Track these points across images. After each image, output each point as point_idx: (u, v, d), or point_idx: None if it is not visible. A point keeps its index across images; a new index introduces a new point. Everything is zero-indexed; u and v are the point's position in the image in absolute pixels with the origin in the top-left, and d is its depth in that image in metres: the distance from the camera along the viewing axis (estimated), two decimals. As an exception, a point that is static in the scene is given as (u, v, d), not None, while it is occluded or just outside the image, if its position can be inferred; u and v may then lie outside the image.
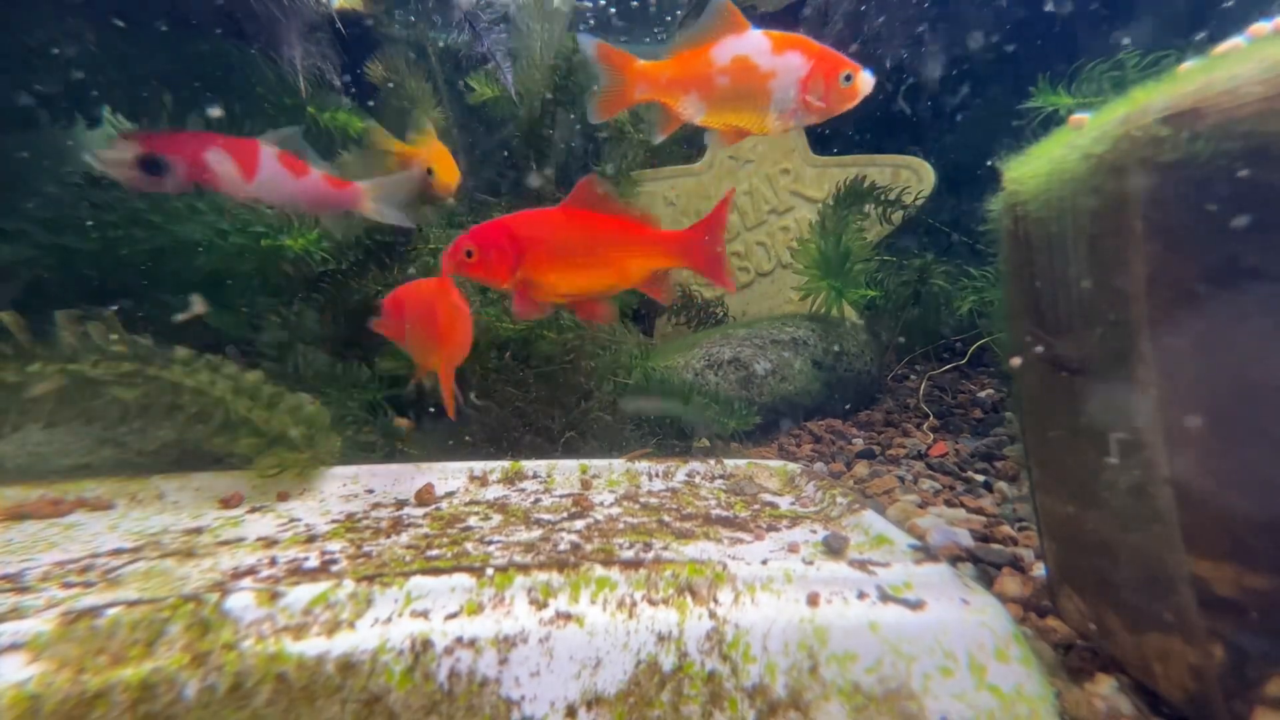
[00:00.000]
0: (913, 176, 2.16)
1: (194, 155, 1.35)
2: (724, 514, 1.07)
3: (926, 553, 0.86)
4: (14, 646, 0.61)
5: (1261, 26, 0.72)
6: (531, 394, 1.56)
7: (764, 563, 0.77)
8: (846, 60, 1.10)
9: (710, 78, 1.12)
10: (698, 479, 1.30)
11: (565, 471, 1.29)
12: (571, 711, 0.65)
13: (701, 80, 1.13)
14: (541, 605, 0.70)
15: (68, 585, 0.79)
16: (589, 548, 0.90)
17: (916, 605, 0.73)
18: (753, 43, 1.11)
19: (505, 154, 2.77)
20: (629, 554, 0.87)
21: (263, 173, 1.42)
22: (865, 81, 1.09)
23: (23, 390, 1.08)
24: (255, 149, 1.40)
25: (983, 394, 2.04)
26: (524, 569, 0.74)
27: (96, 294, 1.23)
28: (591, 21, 2.97)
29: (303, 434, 1.19)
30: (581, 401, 1.55)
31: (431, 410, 1.66)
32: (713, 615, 0.71)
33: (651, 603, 0.72)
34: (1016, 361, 0.90)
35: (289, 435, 1.18)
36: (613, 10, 3.07)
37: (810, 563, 0.78)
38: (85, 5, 1.44)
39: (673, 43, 1.17)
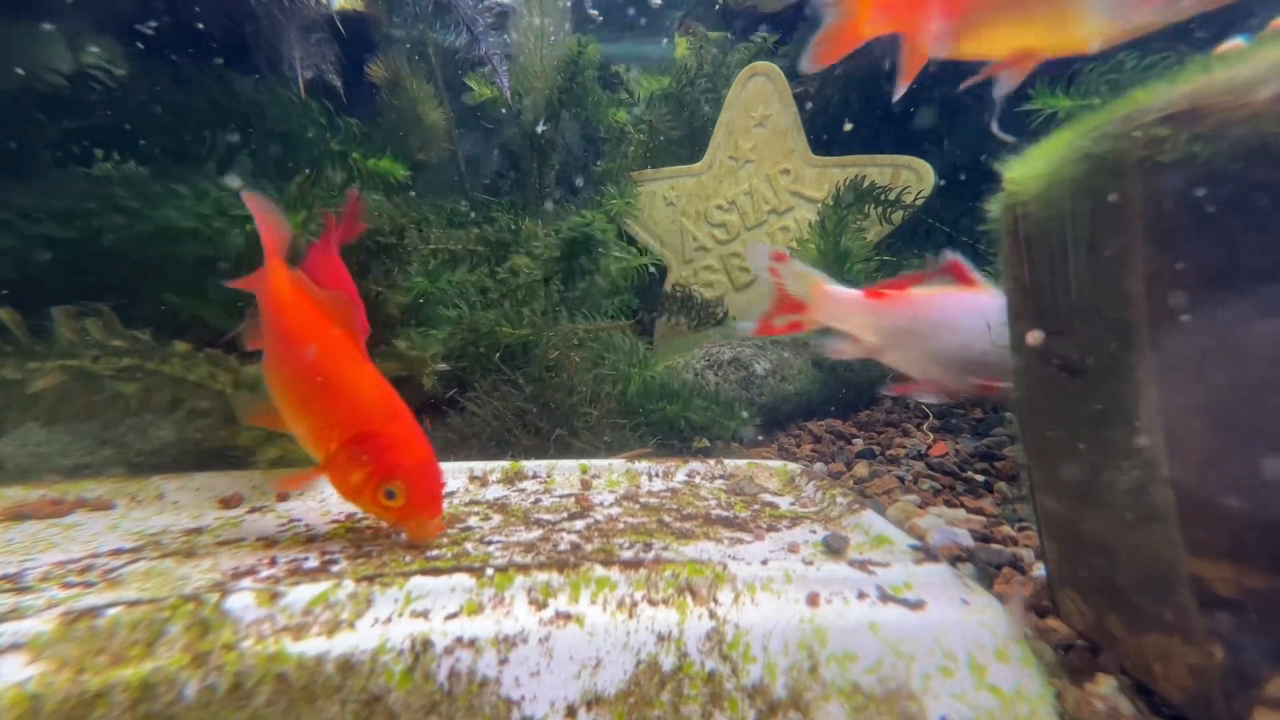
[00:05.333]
0: (913, 177, 2.16)
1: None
2: (724, 514, 1.07)
3: (926, 553, 0.86)
4: (14, 646, 0.61)
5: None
6: (527, 394, 1.57)
7: (764, 563, 0.77)
8: None
9: None
10: (698, 479, 1.30)
11: (565, 471, 1.29)
12: (571, 711, 0.65)
13: None
14: (541, 605, 0.70)
15: (68, 585, 0.79)
16: (589, 548, 0.90)
17: (916, 605, 0.73)
18: None
19: (505, 153, 2.78)
20: (629, 554, 0.87)
21: None
22: None
23: (23, 387, 1.08)
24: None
25: (982, 394, 2.04)
26: (524, 569, 0.74)
27: (88, 286, 1.22)
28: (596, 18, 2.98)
29: (303, 426, 1.20)
30: (580, 406, 1.55)
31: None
32: (713, 615, 0.71)
33: (651, 603, 0.72)
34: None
35: (290, 428, 1.18)
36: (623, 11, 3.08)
37: (810, 563, 0.78)
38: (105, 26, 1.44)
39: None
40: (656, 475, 1.30)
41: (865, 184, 2.04)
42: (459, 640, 0.66)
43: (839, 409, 1.98)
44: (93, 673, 0.60)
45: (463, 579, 0.72)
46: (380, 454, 0.86)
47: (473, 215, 2.21)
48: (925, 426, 1.81)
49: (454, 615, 0.69)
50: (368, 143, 1.68)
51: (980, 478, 1.46)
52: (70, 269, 1.32)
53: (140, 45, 1.66)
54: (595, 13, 2.98)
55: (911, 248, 2.28)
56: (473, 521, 1.03)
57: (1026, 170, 0.83)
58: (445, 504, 1.14)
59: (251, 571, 0.82)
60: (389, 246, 1.73)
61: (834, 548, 0.90)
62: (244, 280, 1.03)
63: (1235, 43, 0.72)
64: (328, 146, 1.61)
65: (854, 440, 1.78)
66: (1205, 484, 0.63)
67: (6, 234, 1.27)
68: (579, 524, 1.01)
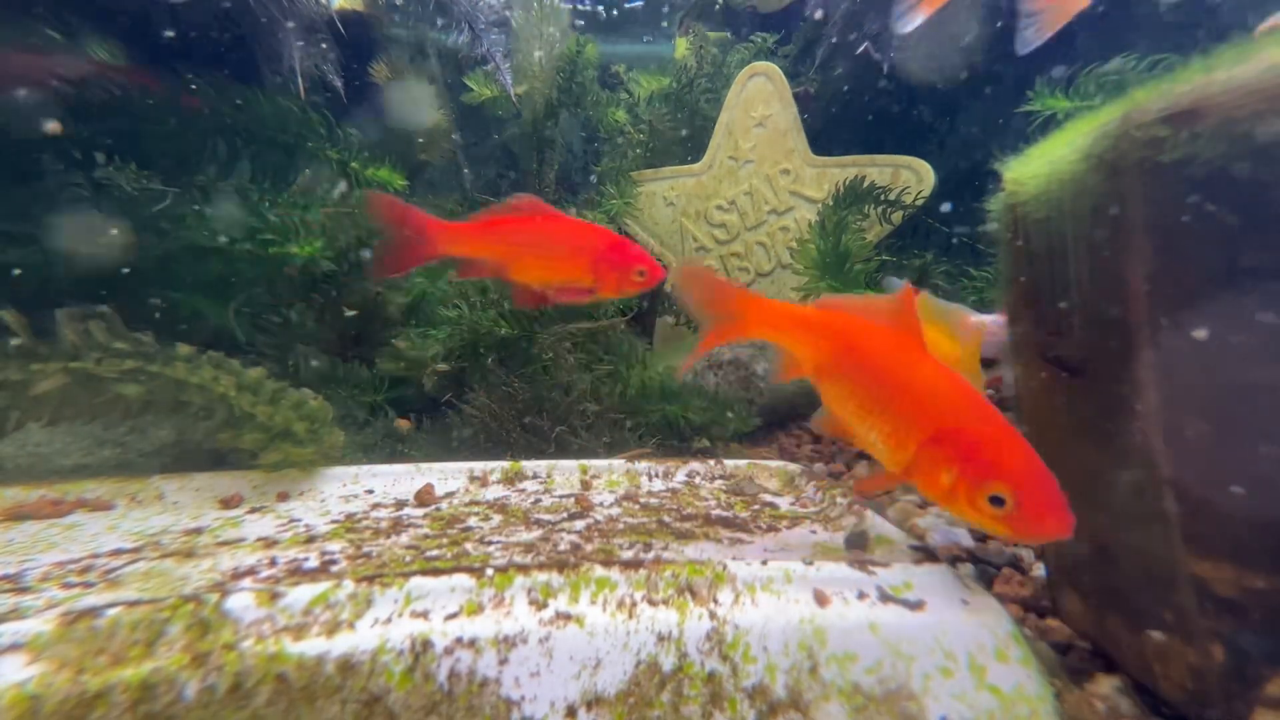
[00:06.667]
0: (912, 176, 2.15)
1: None
2: (724, 514, 1.07)
3: (926, 553, 0.86)
4: (14, 647, 0.61)
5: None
6: (524, 395, 1.57)
7: (764, 563, 0.77)
8: None
9: None
10: (698, 479, 1.30)
11: (565, 472, 1.29)
12: (571, 712, 0.65)
13: None
14: (541, 605, 0.70)
15: (68, 585, 0.79)
16: (589, 548, 0.89)
17: (916, 605, 0.73)
18: None
19: (505, 153, 2.78)
20: (629, 554, 0.87)
21: None
22: None
23: (26, 388, 1.08)
24: None
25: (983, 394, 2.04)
26: (524, 569, 0.74)
27: (103, 298, 1.24)
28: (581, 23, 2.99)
29: (306, 429, 1.20)
30: (578, 404, 1.55)
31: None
32: (713, 615, 0.71)
33: (651, 603, 0.72)
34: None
35: (293, 430, 1.18)
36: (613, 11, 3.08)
37: (810, 563, 0.78)
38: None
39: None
40: (656, 475, 1.30)
41: (865, 184, 2.04)
42: (459, 640, 0.66)
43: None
44: (93, 673, 0.60)
45: (463, 579, 0.72)
46: (970, 453, 0.72)
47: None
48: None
49: (454, 615, 0.69)
50: (366, 149, 1.69)
51: (980, 478, 1.46)
52: (91, 281, 1.35)
53: (155, 41, 1.67)
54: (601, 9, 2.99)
55: (911, 248, 2.28)
56: (473, 522, 1.03)
57: (1027, 170, 0.83)
58: (445, 504, 1.14)
59: (251, 571, 0.82)
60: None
61: (855, 544, 0.90)
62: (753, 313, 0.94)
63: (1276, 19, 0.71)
64: (326, 155, 1.63)
65: (854, 440, 1.77)
66: (1205, 484, 0.63)
67: (35, 249, 1.30)
68: (579, 524, 1.01)
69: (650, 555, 0.86)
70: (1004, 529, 0.70)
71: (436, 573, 0.72)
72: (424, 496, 1.15)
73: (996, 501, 0.69)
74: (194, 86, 1.50)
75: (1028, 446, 0.72)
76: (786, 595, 0.74)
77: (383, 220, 1.19)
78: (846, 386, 0.87)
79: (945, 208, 2.13)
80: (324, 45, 1.85)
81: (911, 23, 1.23)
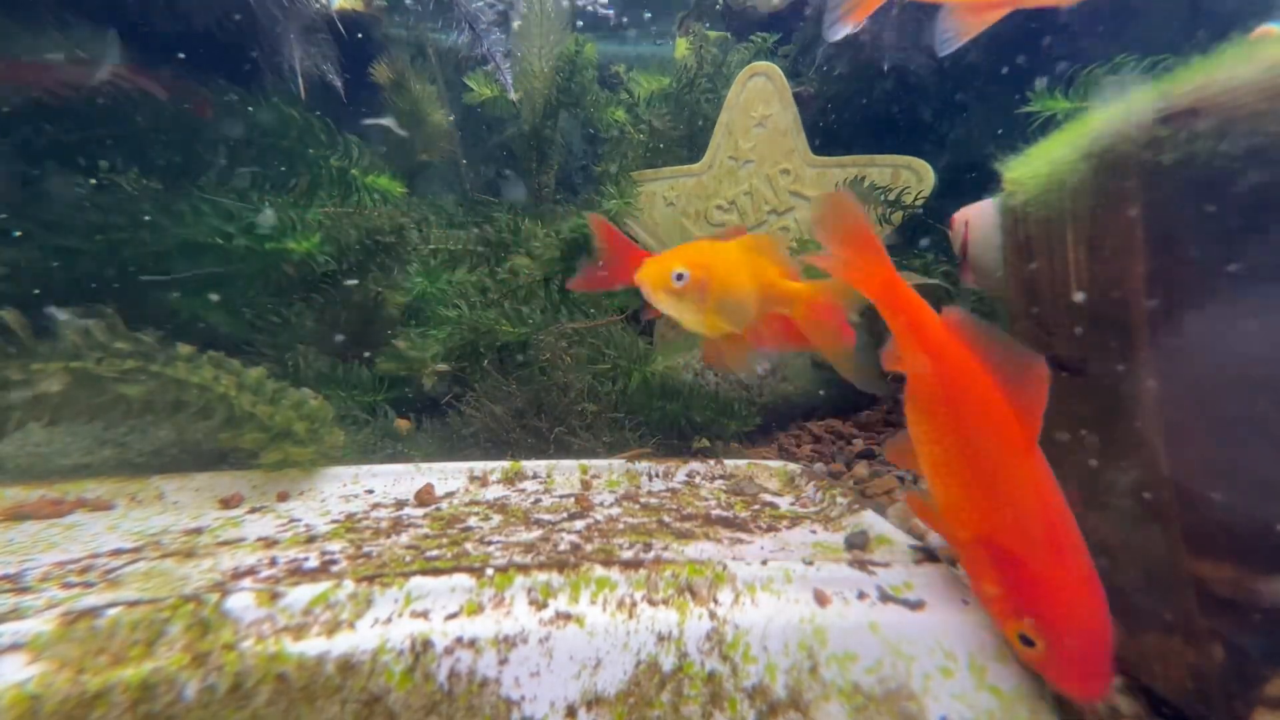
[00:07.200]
0: (913, 177, 2.15)
1: None
2: (724, 514, 1.07)
3: (926, 553, 0.86)
4: (14, 647, 0.61)
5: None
6: (523, 396, 1.57)
7: (764, 563, 0.77)
8: None
9: None
10: (698, 479, 1.30)
11: (565, 472, 1.29)
12: (571, 712, 0.65)
13: None
14: (541, 605, 0.70)
15: (68, 585, 0.79)
16: (589, 548, 0.89)
17: (916, 605, 0.73)
18: None
19: (505, 153, 2.78)
20: (629, 554, 0.87)
21: None
22: None
23: (27, 388, 1.08)
24: None
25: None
26: (524, 569, 0.74)
27: (101, 295, 1.24)
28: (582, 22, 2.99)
29: (306, 428, 1.20)
30: (576, 403, 1.55)
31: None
32: (713, 615, 0.71)
33: (651, 603, 0.72)
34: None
35: (293, 430, 1.18)
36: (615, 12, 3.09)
37: (810, 563, 0.78)
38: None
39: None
40: (656, 475, 1.30)
41: (865, 184, 2.04)
42: (459, 640, 0.66)
43: (839, 409, 1.97)
44: (93, 673, 0.60)
45: (463, 579, 0.72)
46: (1020, 584, 0.66)
47: (471, 217, 2.22)
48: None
49: (454, 615, 0.69)
50: (366, 155, 1.70)
51: (980, 478, 1.46)
52: (89, 279, 1.35)
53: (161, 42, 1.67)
54: (610, 12, 3.00)
55: (911, 247, 2.28)
56: (473, 522, 1.03)
57: (1026, 170, 0.83)
58: (445, 504, 1.14)
59: (251, 571, 0.82)
60: (389, 246, 1.73)
61: (855, 544, 0.90)
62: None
63: (1267, 28, 0.72)
64: (328, 164, 1.63)
65: (854, 440, 1.77)
66: (1205, 484, 0.63)
67: (31, 247, 1.30)
68: (579, 524, 1.01)
69: (650, 555, 0.86)
70: (1032, 663, 0.67)
71: (436, 573, 0.72)
72: (424, 496, 1.15)
73: (1027, 640, 0.65)
74: (200, 90, 1.51)
75: (1092, 593, 0.64)
76: (786, 595, 0.74)
77: (599, 240, 1.27)
78: (932, 431, 0.77)
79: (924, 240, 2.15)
80: (324, 45, 1.86)
81: (841, 31, 1.25)
